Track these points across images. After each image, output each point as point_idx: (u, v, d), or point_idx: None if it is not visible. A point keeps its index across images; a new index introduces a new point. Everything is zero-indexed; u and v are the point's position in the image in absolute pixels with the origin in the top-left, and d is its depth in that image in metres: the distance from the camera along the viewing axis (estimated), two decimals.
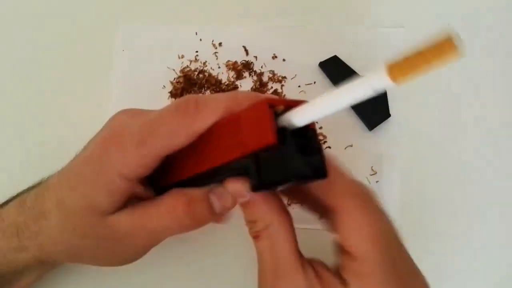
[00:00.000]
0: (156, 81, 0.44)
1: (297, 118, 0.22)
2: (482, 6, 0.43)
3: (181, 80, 0.43)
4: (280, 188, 0.25)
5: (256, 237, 0.26)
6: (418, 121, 0.41)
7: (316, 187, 0.25)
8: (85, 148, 0.29)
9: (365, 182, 0.40)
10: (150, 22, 0.46)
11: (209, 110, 0.25)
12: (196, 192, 0.27)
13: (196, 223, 0.27)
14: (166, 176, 0.29)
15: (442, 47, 0.17)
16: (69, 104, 0.42)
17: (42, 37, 0.46)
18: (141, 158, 0.26)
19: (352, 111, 0.41)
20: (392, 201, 0.40)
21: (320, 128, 0.41)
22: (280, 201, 0.26)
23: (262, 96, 0.27)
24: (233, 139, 0.24)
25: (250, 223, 0.26)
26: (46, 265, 0.32)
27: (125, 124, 0.27)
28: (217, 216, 0.27)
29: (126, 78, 0.44)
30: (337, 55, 0.42)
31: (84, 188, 0.27)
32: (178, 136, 0.25)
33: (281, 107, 0.23)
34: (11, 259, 0.29)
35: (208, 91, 0.43)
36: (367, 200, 0.25)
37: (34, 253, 0.29)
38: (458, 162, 0.41)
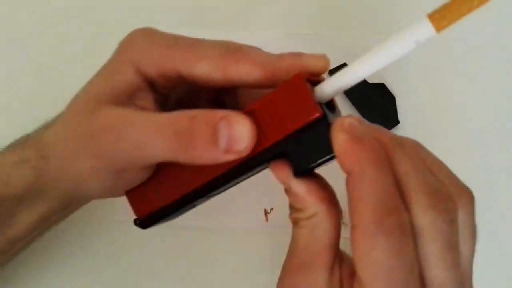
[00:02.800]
0: None
1: (332, 88, 0.21)
2: (487, 13, 0.44)
3: None
4: (320, 166, 0.23)
5: (296, 223, 0.23)
6: (426, 128, 0.42)
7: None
8: None
9: None
10: (162, 27, 0.47)
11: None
12: (206, 113, 0.23)
13: (188, 151, 0.23)
14: (165, 190, 0.26)
15: None
16: None
17: (52, 45, 0.47)
18: (165, 57, 0.25)
19: (361, 118, 0.42)
20: None
21: None
22: (330, 190, 0.24)
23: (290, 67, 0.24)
24: (269, 123, 0.22)
25: (293, 209, 0.24)
26: (46, 195, 0.29)
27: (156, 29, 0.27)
28: (219, 153, 0.23)
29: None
30: (347, 62, 0.43)
31: (91, 81, 0.27)
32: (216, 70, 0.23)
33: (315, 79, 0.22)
34: (11, 175, 0.28)
35: None
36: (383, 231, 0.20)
37: (35, 166, 0.28)
38: (467, 170, 0.40)
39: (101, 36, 0.47)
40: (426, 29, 0.19)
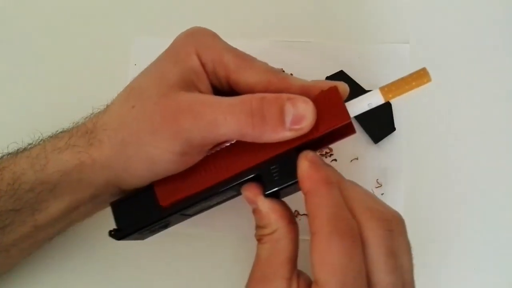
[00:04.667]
0: None
1: None
2: (484, 22, 0.44)
3: None
4: (289, 191, 0.28)
5: (259, 240, 0.27)
6: (422, 134, 0.42)
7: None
8: None
9: None
10: (163, 36, 0.47)
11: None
12: (274, 95, 0.26)
13: (258, 126, 0.26)
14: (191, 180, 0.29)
15: (419, 75, 0.26)
16: (81, 117, 0.43)
17: (54, 53, 0.47)
18: (222, 58, 0.28)
19: (358, 125, 0.42)
20: None
21: None
22: (289, 211, 0.28)
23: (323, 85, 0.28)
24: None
25: (258, 227, 0.27)
26: (81, 184, 0.30)
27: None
28: (284, 129, 0.26)
29: None
30: (343, 70, 0.43)
31: (157, 67, 0.29)
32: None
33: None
34: (49, 161, 0.29)
35: None
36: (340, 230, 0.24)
37: (80, 152, 0.29)
38: (463, 176, 0.41)
39: (96, 49, 0.47)
40: (378, 97, 0.26)
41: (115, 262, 0.40)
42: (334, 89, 0.27)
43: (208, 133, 0.26)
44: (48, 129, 0.43)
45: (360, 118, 0.42)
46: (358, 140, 0.42)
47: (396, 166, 0.41)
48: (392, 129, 0.41)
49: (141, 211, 0.30)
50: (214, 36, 0.30)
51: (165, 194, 0.29)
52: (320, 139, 0.27)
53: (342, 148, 0.42)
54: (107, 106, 0.31)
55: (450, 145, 0.42)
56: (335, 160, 0.41)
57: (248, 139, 0.26)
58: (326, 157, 0.42)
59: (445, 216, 0.40)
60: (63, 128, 0.32)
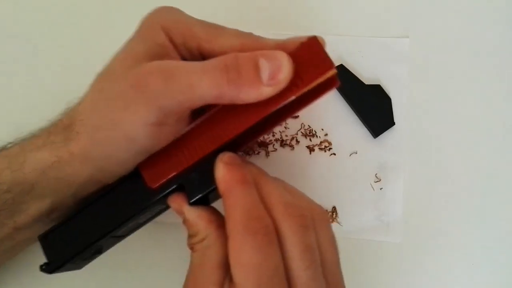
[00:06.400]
0: None
1: None
2: (484, 17, 0.44)
3: None
4: (215, 196, 0.27)
5: (191, 248, 0.27)
6: (422, 129, 0.42)
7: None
8: None
9: (369, 188, 0.40)
10: None
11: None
12: (247, 52, 0.25)
13: (235, 84, 0.24)
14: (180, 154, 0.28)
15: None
16: None
17: (54, 44, 0.47)
18: (191, 31, 0.28)
19: (357, 119, 0.42)
20: (396, 208, 0.40)
21: (326, 135, 0.42)
22: (218, 216, 0.27)
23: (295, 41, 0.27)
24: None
25: (189, 236, 0.27)
26: (60, 182, 0.29)
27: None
28: (262, 84, 0.24)
29: None
30: (343, 64, 0.43)
31: (124, 46, 0.28)
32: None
33: None
34: (26, 160, 0.28)
35: None
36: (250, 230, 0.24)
37: (58, 148, 0.28)
38: (462, 170, 0.41)
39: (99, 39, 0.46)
40: None
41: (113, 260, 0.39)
42: (314, 39, 0.25)
43: (183, 96, 0.25)
44: (44, 124, 0.43)
45: (360, 112, 0.42)
46: (357, 134, 0.42)
47: (396, 161, 0.41)
48: (392, 123, 0.41)
49: (70, 239, 0.29)
50: (180, 11, 0.30)
51: (152, 175, 0.28)
52: (306, 94, 0.25)
53: (341, 142, 0.42)
54: (81, 98, 0.30)
55: (449, 139, 0.42)
56: (334, 154, 0.41)
57: (227, 100, 0.25)
58: (325, 151, 0.41)
59: (444, 210, 0.40)
60: (44, 126, 0.31)
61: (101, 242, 0.29)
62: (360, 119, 0.42)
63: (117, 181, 0.29)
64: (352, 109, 0.42)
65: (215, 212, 0.27)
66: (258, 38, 0.28)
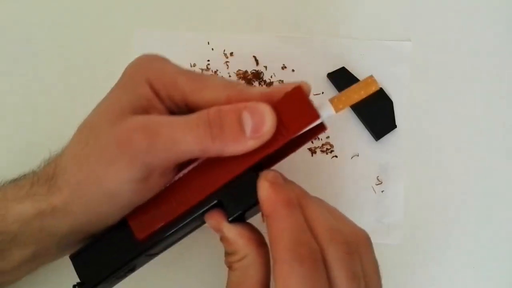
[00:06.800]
0: None
1: None
2: (485, 19, 0.44)
3: None
4: (253, 212, 0.27)
5: (230, 267, 0.26)
6: (423, 131, 0.42)
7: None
8: None
9: (371, 191, 0.40)
10: (164, 28, 0.47)
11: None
12: (230, 105, 0.25)
13: (219, 139, 0.25)
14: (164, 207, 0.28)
15: (367, 84, 0.26)
16: (84, 109, 0.43)
17: (54, 43, 0.47)
18: (175, 83, 0.27)
19: (359, 121, 0.42)
20: (397, 210, 0.40)
21: (327, 137, 0.42)
22: (258, 234, 0.27)
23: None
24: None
25: (227, 254, 0.27)
26: (43, 233, 0.29)
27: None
28: (245, 138, 0.25)
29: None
30: (345, 66, 0.43)
31: (107, 98, 0.28)
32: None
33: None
34: (9, 210, 0.28)
35: None
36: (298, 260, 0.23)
37: (40, 201, 0.28)
38: (463, 172, 0.41)
39: (98, 40, 0.47)
40: (329, 110, 0.26)
41: None
42: (299, 89, 0.26)
43: (167, 153, 0.25)
44: (48, 122, 0.43)
45: (362, 115, 0.42)
46: (359, 136, 0.42)
47: (397, 163, 0.41)
48: (393, 126, 0.41)
49: (104, 258, 0.29)
50: (165, 61, 0.29)
51: (140, 226, 0.28)
52: (292, 141, 0.26)
53: (343, 144, 0.42)
54: (64, 148, 0.29)
55: (450, 142, 0.42)
56: (336, 156, 0.41)
57: (212, 153, 0.25)
58: (327, 153, 0.41)
59: (445, 212, 0.40)
60: (23, 174, 0.31)
61: (136, 260, 0.29)
62: (362, 122, 0.42)
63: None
64: (354, 111, 0.42)
65: (255, 230, 0.27)
66: (243, 88, 0.27)
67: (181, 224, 0.27)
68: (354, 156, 0.41)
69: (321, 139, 0.42)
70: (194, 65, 0.45)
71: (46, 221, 0.28)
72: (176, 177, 0.28)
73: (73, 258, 0.29)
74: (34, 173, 0.30)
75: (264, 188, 0.25)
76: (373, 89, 0.26)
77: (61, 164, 0.28)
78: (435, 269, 0.39)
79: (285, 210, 0.24)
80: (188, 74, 0.28)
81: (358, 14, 0.45)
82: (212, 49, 0.46)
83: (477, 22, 0.44)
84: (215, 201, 0.26)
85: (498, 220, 0.40)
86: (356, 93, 0.26)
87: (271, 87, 0.28)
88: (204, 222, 0.28)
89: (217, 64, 0.45)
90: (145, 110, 0.27)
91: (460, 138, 0.42)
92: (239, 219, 0.27)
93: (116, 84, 0.29)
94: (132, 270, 0.31)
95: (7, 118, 0.44)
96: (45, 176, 0.29)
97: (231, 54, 0.46)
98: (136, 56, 0.45)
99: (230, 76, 0.45)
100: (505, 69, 0.43)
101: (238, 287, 0.25)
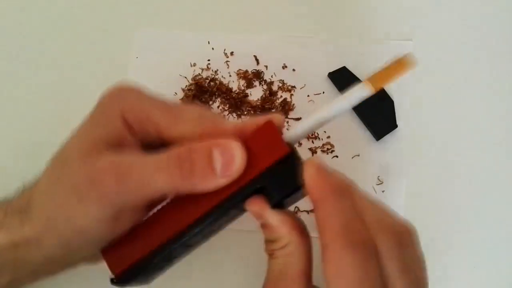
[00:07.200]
0: (168, 88, 0.45)
1: (299, 132, 0.27)
2: (487, 19, 0.44)
3: (192, 87, 0.45)
4: (290, 200, 0.27)
5: (271, 254, 0.26)
6: (424, 131, 0.42)
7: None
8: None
9: (371, 191, 0.40)
10: (164, 28, 0.47)
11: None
12: (201, 143, 0.26)
13: (189, 178, 0.25)
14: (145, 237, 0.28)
15: (403, 61, 0.25)
16: (84, 110, 0.43)
17: (55, 44, 0.47)
18: (149, 117, 0.27)
19: (360, 121, 0.42)
20: (397, 210, 0.40)
21: (328, 137, 0.42)
22: (301, 223, 0.26)
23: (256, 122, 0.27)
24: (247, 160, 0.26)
25: (268, 241, 0.26)
26: (17, 263, 0.29)
27: (141, 88, 0.29)
28: (216, 177, 0.25)
29: (139, 84, 0.45)
30: (346, 66, 0.43)
31: (79, 132, 0.27)
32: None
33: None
34: None
35: (219, 99, 0.44)
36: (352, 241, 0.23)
37: (13, 232, 0.27)
38: (464, 173, 0.41)
39: (98, 40, 0.47)
40: (365, 90, 0.25)
41: None
42: (269, 123, 0.26)
43: (137, 194, 0.25)
44: (48, 122, 0.43)
45: (362, 115, 0.42)
46: (359, 137, 0.42)
47: (398, 163, 0.41)
48: (394, 126, 0.41)
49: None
50: (139, 94, 0.28)
51: (115, 261, 0.27)
52: (266, 173, 0.26)
53: (344, 144, 0.42)
54: (37, 181, 0.29)
55: (451, 142, 0.42)
56: (336, 156, 0.41)
57: (183, 192, 0.26)
58: (327, 153, 0.41)
59: (446, 213, 0.40)
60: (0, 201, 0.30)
61: (172, 251, 0.28)
62: (362, 122, 0.42)
63: None
64: (355, 111, 0.42)
65: (297, 218, 0.26)
66: (217, 121, 0.27)
67: (167, 251, 0.27)
68: (354, 156, 0.41)
69: (322, 139, 0.42)
70: (194, 64, 0.45)
71: (19, 252, 0.28)
72: (150, 213, 0.28)
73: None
74: (8, 202, 0.30)
75: (312, 173, 0.24)
76: (409, 66, 0.25)
77: (34, 197, 0.28)
78: (435, 269, 0.39)
79: (335, 196, 0.24)
80: (162, 106, 0.28)
81: (359, 13, 0.45)
82: (213, 48, 0.46)
83: (479, 22, 0.44)
84: (255, 187, 0.26)
85: (499, 220, 0.40)
86: (393, 70, 0.25)
87: (244, 120, 0.28)
88: (243, 211, 0.28)
89: (218, 63, 0.45)
90: (118, 144, 0.27)
91: (461, 138, 0.42)
92: (280, 206, 0.26)
93: (90, 116, 0.28)
94: (170, 260, 0.29)
95: (7, 119, 0.44)
96: (18, 208, 0.28)
97: (232, 53, 0.46)
98: (136, 56, 0.45)
99: (230, 75, 0.45)
100: (507, 69, 0.43)
101: (280, 275, 0.25)
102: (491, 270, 0.39)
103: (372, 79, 0.26)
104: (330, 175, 0.24)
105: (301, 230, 0.26)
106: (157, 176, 0.25)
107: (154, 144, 0.28)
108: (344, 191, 0.24)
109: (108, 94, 0.28)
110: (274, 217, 0.25)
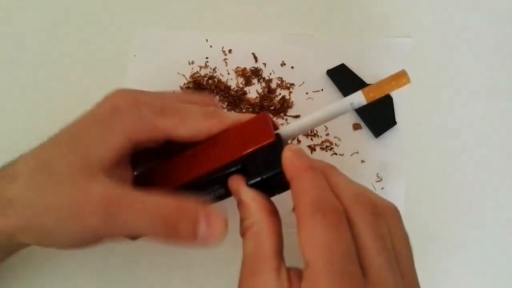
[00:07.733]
0: (166, 86, 0.45)
1: (294, 127, 0.29)
2: (487, 17, 0.44)
3: (190, 85, 0.44)
4: (278, 186, 0.28)
5: (243, 234, 0.27)
6: (423, 128, 0.42)
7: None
8: (75, 121, 0.29)
9: (371, 188, 0.40)
10: (163, 28, 0.47)
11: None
12: (189, 204, 0.27)
13: (172, 237, 0.27)
14: (163, 179, 0.30)
15: (399, 77, 0.27)
16: (83, 110, 0.43)
17: (55, 44, 0.47)
18: (155, 126, 0.28)
19: (359, 119, 0.42)
20: (397, 207, 0.40)
21: (327, 135, 0.42)
22: (271, 204, 0.27)
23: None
24: (236, 141, 0.28)
25: (241, 221, 0.27)
26: None
27: (138, 94, 0.30)
28: (195, 241, 0.27)
29: (138, 82, 0.45)
30: (345, 63, 0.43)
31: (75, 143, 0.27)
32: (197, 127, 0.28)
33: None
34: None
35: (217, 97, 0.44)
36: (322, 211, 0.24)
37: None
38: (463, 170, 0.41)
39: (97, 40, 0.46)
40: (360, 98, 0.28)
41: (111, 260, 0.39)
42: (265, 115, 0.29)
43: (119, 232, 0.27)
44: (48, 123, 0.43)
45: (362, 112, 0.42)
46: (359, 134, 0.42)
47: (397, 160, 0.41)
48: (393, 123, 0.41)
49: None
50: (139, 105, 0.29)
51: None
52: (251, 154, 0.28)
53: (343, 141, 0.42)
54: (14, 176, 0.28)
55: (450, 139, 0.42)
56: (336, 153, 0.41)
57: (158, 241, 0.27)
58: (326, 151, 0.41)
59: (445, 209, 0.40)
60: None
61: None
62: (361, 119, 0.42)
63: None
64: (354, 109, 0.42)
65: (269, 200, 0.28)
66: (220, 115, 0.30)
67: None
68: (354, 153, 0.41)
69: (321, 136, 0.42)
70: (193, 62, 0.45)
71: None
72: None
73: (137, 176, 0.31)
74: None
75: (288, 154, 0.26)
76: (403, 82, 0.27)
77: (9, 195, 0.27)
78: (435, 267, 0.39)
79: (308, 173, 0.25)
80: (165, 111, 0.29)
81: (358, 10, 0.45)
82: (211, 46, 0.46)
83: (478, 19, 0.44)
84: (239, 166, 0.28)
85: (498, 218, 0.40)
86: (388, 84, 0.27)
87: (246, 114, 0.31)
88: (228, 194, 0.30)
89: (216, 61, 0.45)
90: (117, 163, 0.28)
91: (460, 135, 0.42)
92: (266, 191, 0.28)
93: (89, 127, 0.28)
94: (220, 195, 0.31)
95: (7, 119, 0.44)
96: None
97: (230, 51, 0.46)
98: (135, 54, 0.45)
99: (229, 73, 0.45)
100: (506, 67, 0.43)
101: (253, 256, 0.25)
102: (491, 268, 0.39)
103: (368, 90, 0.28)
104: (305, 156, 0.26)
105: (271, 211, 0.27)
106: (143, 223, 0.26)
107: (160, 143, 0.30)
108: (316, 168, 0.26)
109: (109, 109, 0.29)
110: (247, 194, 0.27)
